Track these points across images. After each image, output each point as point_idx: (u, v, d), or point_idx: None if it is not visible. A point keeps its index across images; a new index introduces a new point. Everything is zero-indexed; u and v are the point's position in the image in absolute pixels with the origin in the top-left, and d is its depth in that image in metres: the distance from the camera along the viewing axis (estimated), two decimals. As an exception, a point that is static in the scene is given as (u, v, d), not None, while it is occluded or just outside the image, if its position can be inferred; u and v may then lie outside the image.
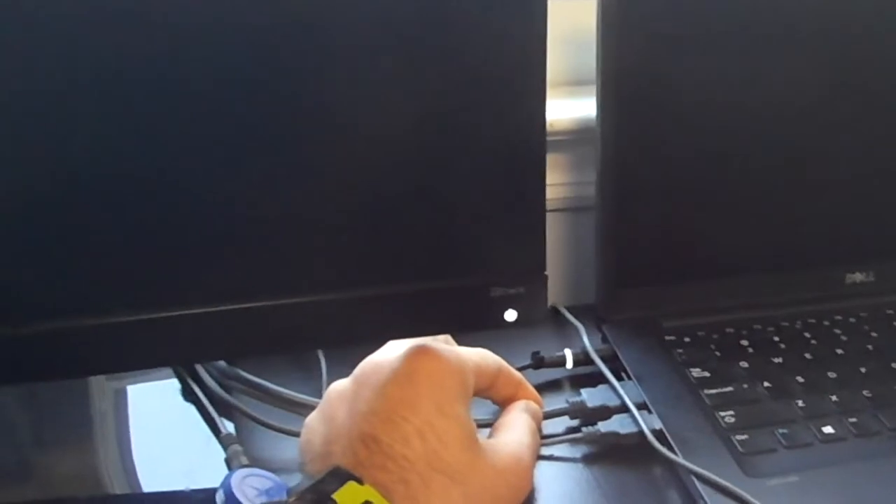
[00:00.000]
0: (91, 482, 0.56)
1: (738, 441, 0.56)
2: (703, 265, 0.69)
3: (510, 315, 0.50)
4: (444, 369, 0.50)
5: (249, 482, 0.52)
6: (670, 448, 0.55)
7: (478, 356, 0.54)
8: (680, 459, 0.54)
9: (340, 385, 0.52)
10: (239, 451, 0.54)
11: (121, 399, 0.64)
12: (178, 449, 0.59)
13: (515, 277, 0.49)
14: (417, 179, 0.48)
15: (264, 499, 0.51)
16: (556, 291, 0.73)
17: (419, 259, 0.49)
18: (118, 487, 0.56)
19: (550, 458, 0.57)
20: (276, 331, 0.49)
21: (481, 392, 0.55)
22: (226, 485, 0.51)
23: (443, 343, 0.54)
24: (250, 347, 0.52)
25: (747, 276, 0.69)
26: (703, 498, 0.52)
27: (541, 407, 0.58)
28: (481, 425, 0.56)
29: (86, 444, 0.59)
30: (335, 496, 0.44)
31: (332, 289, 0.49)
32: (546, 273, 0.50)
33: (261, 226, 0.46)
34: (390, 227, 0.48)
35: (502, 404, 0.58)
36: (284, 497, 0.51)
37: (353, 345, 0.52)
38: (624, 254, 0.67)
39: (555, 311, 0.72)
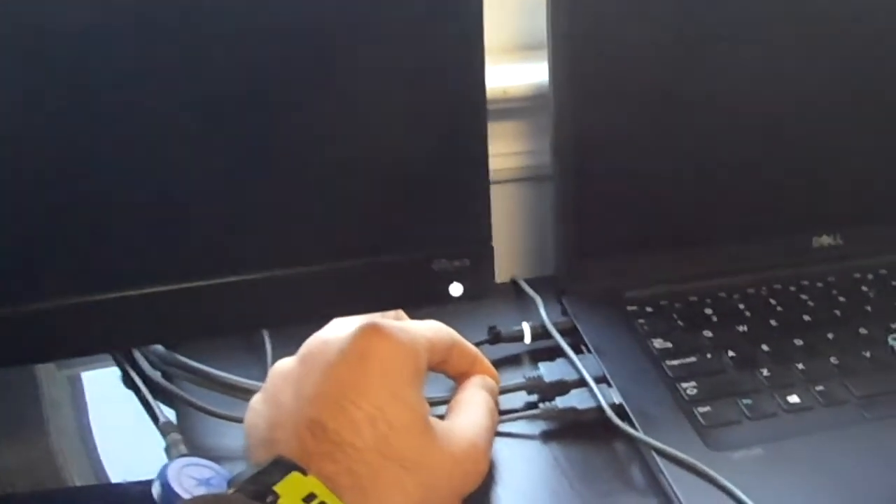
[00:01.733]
0: (24, 475, 0.53)
1: (701, 413, 0.54)
2: (665, 233, 0.66)
3: (455, 289, 0.47)
4: (396, 350, 0.47)
5: (188, 472, 0.49)
6: (630, 423, 0.53)
7: (431, 331, 0.52)
8: (640, 435, 0.52)
9: (286, 365, 0.49)
10: (178, 440, 0.52)
11: (61, 389, 0.61)
12: (117, 439, 0.56)
13: (458, 249, 0.46)
14: (353, 151, 0.45)
15: (203, 489, 0.48)
16: (515, 264, 0.71)
17: (360, 233, 0.47)
18: (53, 481, 0.53)
19: (507, 434, 0.55)
20: (214, 312, 0.47)
21: (435, 367, 0.53)
22: (162, 475, 0.48)
23: (393, 319, 0.51)
24: (188, 330, 0.50)
25: (711, 243, 0.67)
26: (664, 474, 0.50)
27: (497, 382, 0.56)
28: (435, 403, 0.53)
29: (22, 435, 0.57)
30: (277, 488, 0.41)
31: (271, 266, 0.46)
32: (492, 244, 0.47)
33: (195, 203, 0.44)
34: (328, 200, 0.46)
35: (457, 380, 0.55)
36: (225, 488, 0.48)
37: (296, 323, 0.50)
38: (583, 223, 0.64)
39: (514, 285, 0.69)
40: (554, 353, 0.60)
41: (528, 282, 0.68)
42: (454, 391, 0.54)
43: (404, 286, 0.48)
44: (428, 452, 0.46)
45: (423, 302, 0.48)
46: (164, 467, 0.48)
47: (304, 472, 0.42)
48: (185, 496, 0.47)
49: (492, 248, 0.48)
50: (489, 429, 0.51)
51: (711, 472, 0.49)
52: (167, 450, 0.52)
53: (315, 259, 0.47)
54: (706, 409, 0.54)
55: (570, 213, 0.64)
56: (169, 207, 0.44)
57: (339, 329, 0.48)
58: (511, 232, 0.71)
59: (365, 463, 0.44)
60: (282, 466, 0.43)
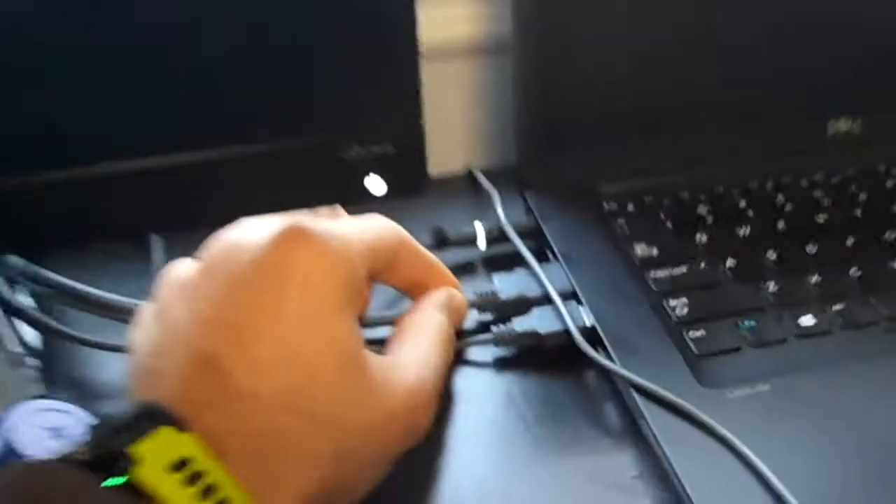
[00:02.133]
0: None
1: (692, 339, 0.43)
2: (650, 114, 0.54)
3: (375, 184, 0.35)
4: (323, 263, 0.35)
5: (39, 420, 0.38)
6: (604, 351, 0.43)
7: (371, 231, 0.40)
8: (615, 367, 0.41)
9: (183, 269, 0.37)
10: (30, 377, 0.40)
11: None
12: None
13: (377, 133, 0.35)
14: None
15: (54, 443, 0.37)
16: (472, 152, 0.59)
17: (262, 112, 0.35)
18: None
19: (454, 363, 0.44)
20: (91, 212, 0.35)
21: (378, 277, 0.41)
22: (2, 426, 0.37)
23: (326, 217, 0.40)
24: (55, 235, 0.38)
25: (707, 126, 0.55)
26: (644, 416, 0.39)
27: (461, 295, 0.45)
28: (374, 324, 0.43)
29: None
30: (135, 450, 0.30)
31: (160, 151, 0.34)
32: (422, 125, 0.36)
33: (68, 75, 0.31)
34: (226, 72, 0.34)
35: (409, 292, 0.44)
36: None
37: (188, 228, 0.38)
38: (550, 102, 0.52)
39: (470, 177, 0.58)
40: (513, 261, 0.49)
41: (487, 174, 0.56)
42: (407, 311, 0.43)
43: (312, 179, 0.36)
44: (355, 406, 0.35)
45: (337, 199, 0.37)
46: (6, 412, 0.38)
47: (180, 427, 0.31)
48: (28, 451, 0.37)
49: (421, 130, 0.36)
50: (439, 368, 0.40)
51: (703, 416, 0.38)
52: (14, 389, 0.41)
53: (208, 143, 0.35)
54: (698, 333, 0.44)
55: (535, 89, 0.52)
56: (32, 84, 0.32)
57: (255, 230, 0.36)
58: (466, 114, 0.59)
59: (267, 419, 0.33)
60: (151, 417, 0.31)
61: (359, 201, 0.37)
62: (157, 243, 0.47)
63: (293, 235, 0.35)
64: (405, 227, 0.43)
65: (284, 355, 0.33)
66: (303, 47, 0.33)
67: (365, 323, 0.42)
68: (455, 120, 0.58)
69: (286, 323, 0.34)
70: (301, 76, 0.34)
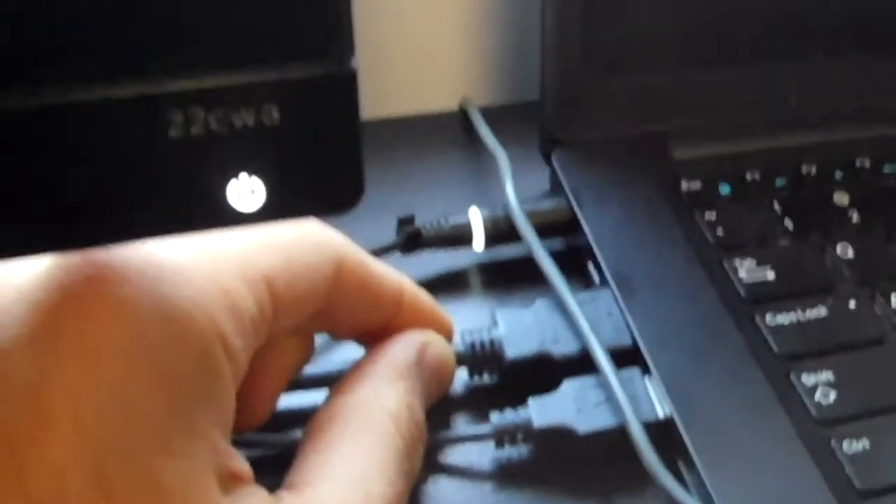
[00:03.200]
0: None
1: (847, 456, 0.24)
2: (750, 31, 0.34)
3: (242, 191, 0.16)
4: (134, 341, 0.18)
5: None
6: (688, 463, 0.24)
7: (279, 252, 0.21)
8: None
9: None
10: None
11: None
12: None
13: (243, 75, 0.15)
14: None
15: None
16: (467, 79, 0.39)
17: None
18: None
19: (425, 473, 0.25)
20: None
21: (304, 327, 0.23)
22: None
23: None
24: None
25: (843, 55, 0.35)
26: None
27: (449, 340, 0.26)
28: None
29: None
30: None
31: None
32: (352, 66, 0.15)
33: None
34: None
35: (362, 342, 0.25)
36: None
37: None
38: (598, 2, 0.31)
39: (463, 124, 0.37)
40: (528, 278, 0.29)
41: (490, 119, 0.36)
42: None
43: (119, 192, 0.16)
44: None
45: (166, 225, 0.16)
46: None
47: None
48: None
49: (352, 74, 0.16)
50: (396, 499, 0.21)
51: None
52: None
53: None
54: (858, 445, 0.25)
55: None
56: None
57: (17, 274, 0.18)
58: (457, 20, 0.38)
59: None
60: None
61: (215, 225, 0.17)
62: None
63: (76, 291, 0.17)
64: (362, 215, 0.23)
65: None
66: None
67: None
68: (436, 25, 0.37)
69: (62, 441, 0.17)
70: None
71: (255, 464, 0.20)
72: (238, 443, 0.20)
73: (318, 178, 0.17)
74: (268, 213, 0.17)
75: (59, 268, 0.18)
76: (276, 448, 0.24)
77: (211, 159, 0.16)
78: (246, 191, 0.16)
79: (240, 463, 0.19)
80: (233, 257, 0.20)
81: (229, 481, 0.19)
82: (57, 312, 0.17)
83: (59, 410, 0.16)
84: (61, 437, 0.16)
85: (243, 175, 0.16)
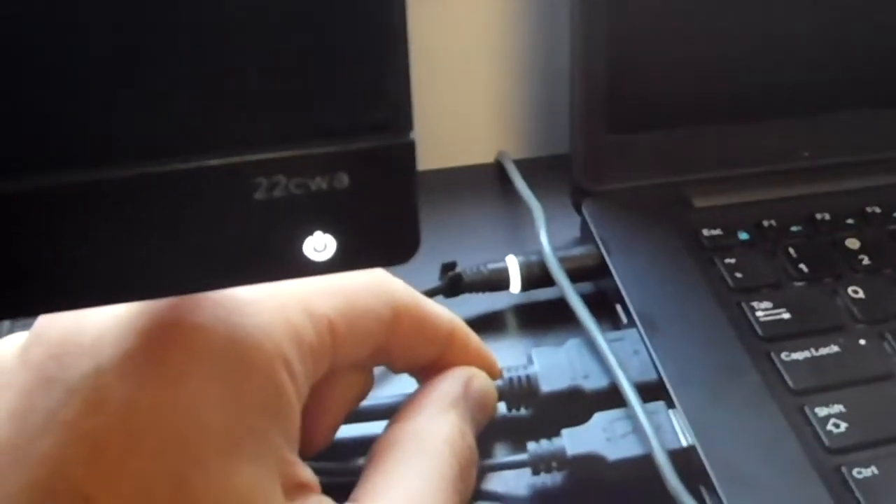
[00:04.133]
0: None
1: (857, 482, 0.26)
2: (764, 90, 0.36)
3: (315, 245, 0.19)
4: (212, 377, 0.20)
5: None
6: (710, 490, 0.26)
7: (340, 295, 0.24)
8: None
9: (4, 354, 0.22)
10: None
11: None
12: None
13: (319, 147, 0.18)
14: None
15: None
16: (502, 135, 0.42)
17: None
18: None
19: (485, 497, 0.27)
20: None
21: (364, 361, 0.26)
22: None
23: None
24: None
25: (851, 112, 0.37)
26: None
27: (496, 377, 0.29)
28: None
29: None
30: None
31: None
32: (411, 138, 0.18)
33: None
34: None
35: (419, 377, 0.28)
36: None
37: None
38: (623, 64, 0.34)
39: (499, 176, 0.40)
40: (560, 319, 0.32)
41: (523, 167, 0.38)
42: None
43: (208, 244, 0.19)
44: None
45: (249, 275, 0.19)
46: None
47: None
48: None
49: (410, 144, 0.19)
50: None
51: None
52: None
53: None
54: (866, 471, 0.27)
55: (601, 45, 0.34)
56: None
57: (105, 324, 0.21)
58: (494, 83, 0.41)
59: None
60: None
61: (291, 274, 0.19)
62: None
63: (162, 320, 0.20)
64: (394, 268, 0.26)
65: None
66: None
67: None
68: (475, 85, 0.40)
69: (136, 469, 0.19)
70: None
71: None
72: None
73: (380, 234, 0.20)
74: (337, 265, 0.19)
75: (148, 312, 0.20)
76: (338, 475, 0.27)
77: (290, 218, 0.19)
78: (319, 245, 0.19)
79: (306, 473, 0.22)
80: (299, 296, 0.23)
81: (295, 489, 0.21)
82: (146, 338, 0.20)
83: (147, 422, 0.19)
84: (149, 450, 0.19)
85: (317, 232, 0.19)
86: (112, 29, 0.16)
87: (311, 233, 0.19)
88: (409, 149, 0.19)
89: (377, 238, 0.20)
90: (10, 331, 0.29)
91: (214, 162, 0.18)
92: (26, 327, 0.22)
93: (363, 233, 0.19)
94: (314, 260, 0.19)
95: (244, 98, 0.18)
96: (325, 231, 0.19)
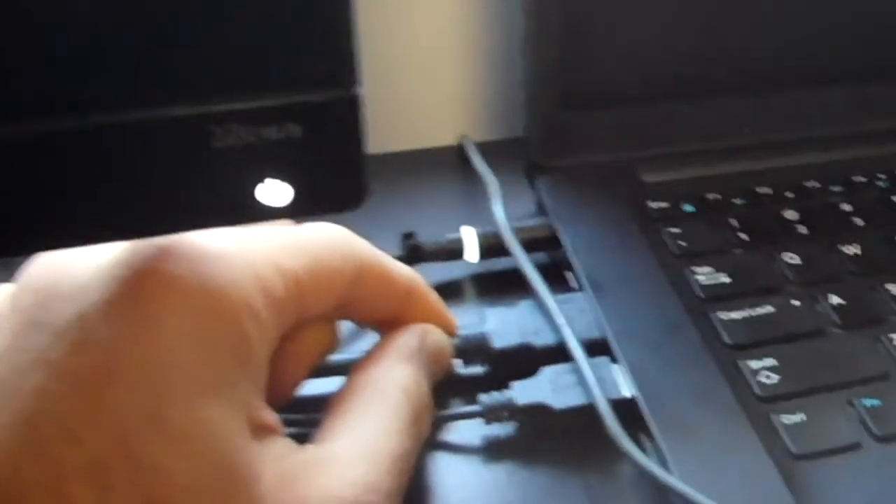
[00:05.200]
0: None
1: (786, 427, 0.28)
2: (715, 72, 0.38)
3: (270, 191, 0.20)
4: (190, 318, 0.22)
5: None
6: (649, 437, 0.28)
7: (308, 253, 0.26)
8: (665, 475, 0.26)
9: None
10: None
11: None
12: None
13: (269, 101, 0.19)
14: None
15: None
16: (463, 119, 0.43)
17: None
18: None
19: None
20: None
21: (329, 314, 0.27)
22: None
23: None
24: None
25: (794, 89, 0.39)
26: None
27: (453, 335, 0.30)
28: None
29: None
30: None
31: None
32: (357, 91, 0.20)
33: None
34: None
35: (377, 328, 0.29)
36: None
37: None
38: (574, 49, 0.36)
39: (459, 156, 0.42)
40: (514, 285, 0.33)
41: (484, 151, 0.40)
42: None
43: (170, 188, 0.21)
44: None
45: (207, 219, 0.21)
46: None
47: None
48: None
49: (355, 97, 0.20)
50: (401, 461, 0.25)
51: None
52: None
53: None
54: (794, 417, 0.29)
55: (552, 29, 0.36)
56: None
57: (90, 266, 0.23)
58: (454, 65, 0.43)
59: None
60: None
61: (248, 219, 0.21)
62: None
63: (152, 268, 0.22)
64: (371, 231, 0.28)
65: (112, 469, 0.20)
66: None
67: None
68: (437, 72, 0.42)
69: (122, 414, 0.21)
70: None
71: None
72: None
73: (331, 182, 0.21)
74: (291, 211, 0.21)
75: (126, 251, 0.22)
76: (302, 426, 0.28)
77: (246, 166, 0.20)
78: (275, 191, 0.21)
79: (270, 416, 0.23)
80: (268, 252, 0.25)
81: (260, 430, 0.23)
82: (126, 286, 0.22)
83: (126, 360, 0.21)
84: (126, 384, 0.21)
85: (273, 179, 0.21)
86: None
87: (263, 179, 0.21)
88: (355, 101, 0.21)
89: (328, 185, 0.21)
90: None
91: (173, 112, 0.20)
92: (7, 278, 0.23)
93: (315, 180, 0.21)
94: (270, 206, 0.21)
95: (201, 52, 0.19)
96: (279, 178, 0.21)
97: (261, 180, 0.21)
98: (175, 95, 0.20)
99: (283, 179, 0.21)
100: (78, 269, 0.22)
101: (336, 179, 0.21)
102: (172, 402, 0.21)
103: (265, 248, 0.25)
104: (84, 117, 0.19)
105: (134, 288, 0.22)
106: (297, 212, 0.21)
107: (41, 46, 0.18)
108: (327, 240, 0.27)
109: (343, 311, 0.28)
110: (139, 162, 0.20)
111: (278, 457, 0.23)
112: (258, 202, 0.21)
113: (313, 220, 0.26)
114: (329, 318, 0.28)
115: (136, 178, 0.20)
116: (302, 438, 0.25)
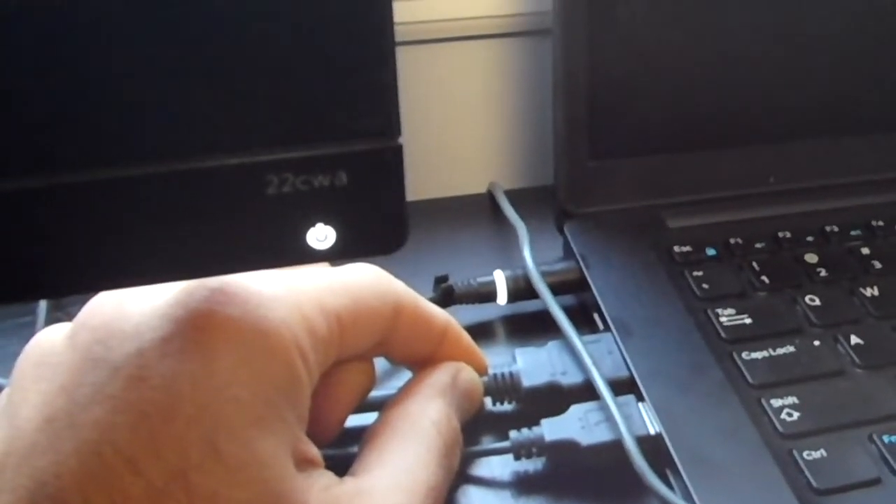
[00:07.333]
0: None
1: (807, 463, 0.29)
2: (740, 124, 0.40)
3: (317, 234, 0.22)
4: (246, 358, 0.24)
5: None
6: (675, 473, 0.29)
7: (350, 294, 0.27)
8: (693, 510, 0.27)
9: (49, 343, 0.25)
10: None
11: None
12: None
13: (323, 151, 0.21)
14: None
15: None
16: (496, 168, 0.45)
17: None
18: None
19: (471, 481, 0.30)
20: None
21: (369, 352, 0.29)
22: None
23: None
24: None
25: (819, 139, 0.41)
26: None
27: (483, 374, 0.32)
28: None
29: None
30: None
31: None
32: (400, 141, 0.22)
33: None
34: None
35: (415, 369, 0.31)
36: None
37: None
38: (601, 99, 0.38)
39: (490, 203, 0.43)
40: (543, 327, 0.35)
41: (513, 199, 0.42)
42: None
43: (223, 233, 0.23)
44: None
45: (259, 261, 0.23)
46: None
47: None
48: None
49: (398, 147, 0.22)
50: (432, 493, 0.26)
51: None
52: None
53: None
54: (815, 454, 0.29)
55: (582, 83, 0.38)
56: None
57: (147, 306, 0.24)
58: (485, 117, 0.45)
59: None
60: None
61: (296, 261, 0.23)
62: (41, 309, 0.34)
63: (196, 310, 0.23)
64: (404, 273, 0.29)
65: (168, 494, 0.22)
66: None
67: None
68: (469, 125, 0.44)
69: (179, 445, 0.22)
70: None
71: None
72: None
73: (373, 226, 0.23)
74: (336, 254, 0.23)
75: (182, 292, 0.24)
76: (343, 460, 0.29)
77: (297, 211, 0.22)
78: (321, 235, 0.22)
79: (313, 450, 0.25)
80: (313, 294, 0.26)
81: (304, 463, 0.24)
82: (182, 325, 0.23)
83: (183, 395, 0.22)
84: (185, 418, 0.22)
85: (319, 224, 0.22)
86: (141, 43, 0.20)
87: (314, 224, 0.22)
88: (398, 151, 0.22)
89: (370, 230, 0.23)
90: (47, 320, 0.32)
91: (233, 161, 0.22)
92: (64, 318, 0.25)
93: (359, 225, 0.23)
94: (316, 248, 0.23)
95: (260, 105, 0.21)
96: (325, 223, 0.22)
97: (311, 225, 0.22)
98: (234, 146, 0.21)
99: (330, 224, 0.22)
100: (134, 308, 0.24)
101: (379, 224, 0.23)
102: (229, 435, 0.22)
103: (310, 289, 0.26)
104: (150, 165, 0.21)
105: (190, 327, 0.23)
106: (341, 254, 0.23)
107: (119, 98, 0.20)
108: (367, 281, 0.28)
109: (380, 350, 0.29)
110: (199, 207, 0.22)
111: (323, 487, 0.24)
112: (307, 245, 0.22)
113: (353, 261, 0.28)
114: (367, 358, 0.29)
115: (194, 222, 0.22)
116: (337, 471, 0.26)
